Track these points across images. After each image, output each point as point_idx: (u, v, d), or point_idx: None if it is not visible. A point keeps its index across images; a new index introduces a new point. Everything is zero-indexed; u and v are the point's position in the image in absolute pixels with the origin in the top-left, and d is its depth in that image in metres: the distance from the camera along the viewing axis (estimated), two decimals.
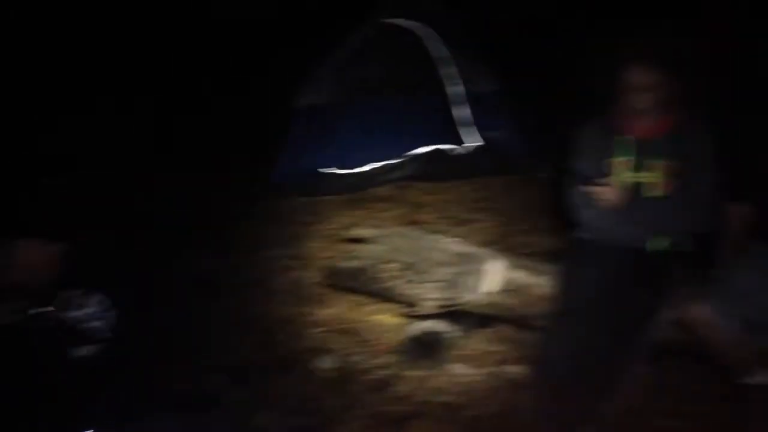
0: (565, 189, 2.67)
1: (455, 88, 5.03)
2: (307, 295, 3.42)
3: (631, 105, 2.42)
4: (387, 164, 5.01)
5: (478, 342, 2.97)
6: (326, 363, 2.82)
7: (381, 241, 3.42)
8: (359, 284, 3.26)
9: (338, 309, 3.28)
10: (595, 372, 2.26)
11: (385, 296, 3.20)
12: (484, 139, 5.06)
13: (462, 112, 5.07)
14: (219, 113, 5.91)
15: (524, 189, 4.80)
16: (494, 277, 2.88)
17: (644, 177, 2.45)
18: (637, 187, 2.46)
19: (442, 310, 2.95)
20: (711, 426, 2.41)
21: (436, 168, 5.05)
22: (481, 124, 5.05)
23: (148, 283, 2.65)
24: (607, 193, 2.43)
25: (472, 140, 5.08)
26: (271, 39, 6.43)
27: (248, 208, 4.53)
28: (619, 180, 2.48)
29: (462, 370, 2.79)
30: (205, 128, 5.75)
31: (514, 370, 2.76)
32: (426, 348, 2.89)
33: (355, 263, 3.32)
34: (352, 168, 4.93)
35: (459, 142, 5.10)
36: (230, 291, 3.42)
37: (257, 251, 3.93)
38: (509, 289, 2.86)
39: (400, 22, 4.98)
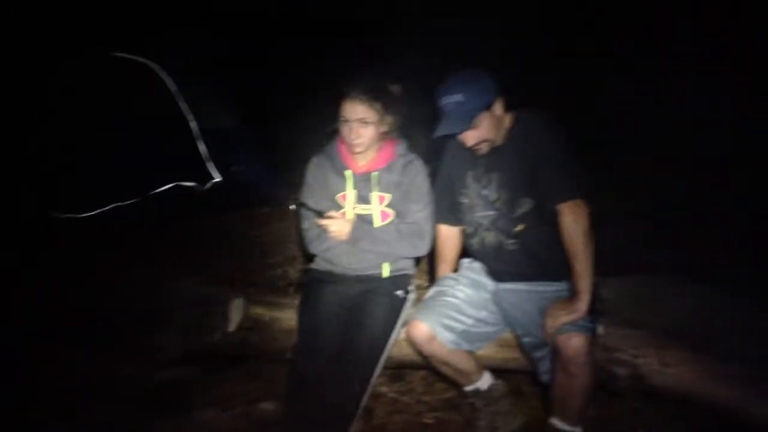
0: (298, 223, 2.76)
1: (195, 124, 4.91)
2: (37, 349, 3.04)
3: (348, 140, 2.56)
4: (123, 205, 4.71)
5: (226, 383, 2.93)
6: (62, 427, 2.60)
7: (117, 287, 3.20)
8: (94, 334, 3.00)
9: (73, 364, 2.96)
10: (338, 397, 2.35)
11: (123, 345, 2.98)
12: (228, 174, 5.01)
13: (203, 148, 4.96)
14: None
15: (269, 223, 4.85)
16: (236, 315, 2.86)
17: (366, 209, 2.63)
18: (362, 219, 2.63)
19: (185, 355, 2.84)
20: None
21: (179, 205, 4.87)
22: (223, 158, 4.99)
23: None
24: (336, 225, 2.56)
25: (215, 175, 4.99)
26: None
27: None
28: (344, 212, 2.63)
29: (211, 415, 2.73)
30: None
31: (266, 407, 2.76)
32: (170, 396, 2.77)
33: (88, 311, 3.05)
34: (81, 211, 4.55)
35: (201, 178, 4.98)
36: None
37: None
38: (253, 326, 2.86)
39: (131, 56, 4.76)
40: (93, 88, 4.61)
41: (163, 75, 4.83)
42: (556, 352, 2.29)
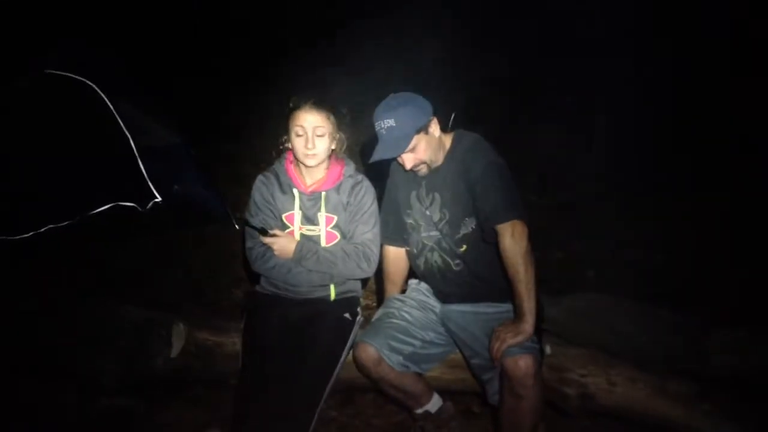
0: (244, 242, 2.71)
1: (135, 142, 4.77)
2: None
3: (301, 153, 2.53)
4: (58, 226, 4.53)
5: (171, 411, 2.82)
6: None
7: (53, 313, 3.06)
8: (30, 363, 2.86)
9: (7, 394, 2.82)
10: (287, 421, 2.28)
11: (61, 374, 2.86)
12: (170, 193, 4.88)
13: (143, 166, 4.82)
14: None
15: (219, 241, 4.74)
16: (180, 340, 2.77)
17: (312, 230, 2.60)
18: (309, 239, 2.60)
19: (126, 383, 2.74)
20: None
21: (119, 226, 4.71)
22: (165, 177, 4.86)
23: None
24: (281, 243, 2.53)
25: (157, 195, 4.86)
26: None
27: None
28: (292, 231, 2.59)
29: None
30: None
31: None
32: (113, 425, 2.66)
33: (24, 340, 2.91)
34: (16, 234, 4.35)
35: (142, 197, 4.84)
36: None
37: None
38: (197, 352, 2.77)
39: (66, 73, 4.61)
40: (27, 106, 4.44)
41: (102, 92, 4.70)
42: (503, 374, 2.30)
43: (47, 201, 4.44)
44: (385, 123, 2.40)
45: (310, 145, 2.50)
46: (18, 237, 4.33)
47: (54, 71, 4.51)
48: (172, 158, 4.89)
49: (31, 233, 4.38)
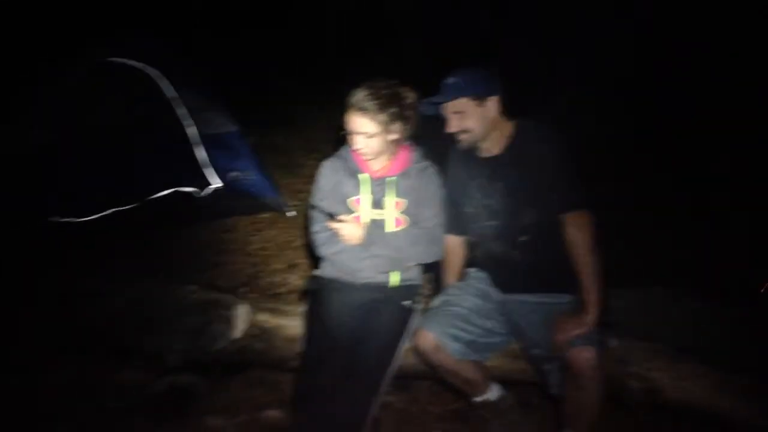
0: (308, 226, 2.74)
1: (193, 129, 4.88)
2: (40, 357, 3.01)
3: (356, 148, 2.54)
4: (123, 210, 4.67)
5: (231, 390, 2.88)
6: None
7: (119, 293, 3.15)
8: (97, 341, 2.97)
9: (75, 370, 2.95)
10: (347, 406, 2.31)
11: (127, 352, 2.95)
12: (229, 179, 4.98)
13: (202, 153, 4.93)
14: None
15: (273, 228, 4.83)
16: (241, 322, 2.82)
17: (380, 214, 2.61)
18: (375, 223, 2.61)
19: (189, 362, 2.81)
20: None
21: (179, 211, 4.84)
22: (222, 164, 4.96)
23: None
24: (348, 229, 2.53)
25: (215, 181, 4.96)
26: None
27: None
28: (358, 216, 2.60)
29: (217, 422, 2.68)
30: None
31: (271, 414, 2.72)
32: (176, 403, 2.74)
33: (92, 319, 3.01)
34: (81, 215, 4.51)
35: (202, 183, 4.95)
36: None
37: None
38: (257, 333, 2.82)
39: (127, 61, 4.74)
40: (93, 93, 4.59)
41: (161, 81, 4.82)
42: (565, 366, 2.28)
43: (112, 185, 4.61)
44: (449, 80, 2.48)
45: (358, 146, 2.51)
46: (83, 219, 4.51)
47: (117, 59, 4.66)
48: (230, 146, 5.00)
49: (96, 216, 4.55)
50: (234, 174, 4.98)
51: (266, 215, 4.99)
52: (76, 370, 2.97)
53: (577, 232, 2.36)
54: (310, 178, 2.79)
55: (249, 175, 4.99)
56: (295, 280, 3.95)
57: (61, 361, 3.00)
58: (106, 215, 4.59)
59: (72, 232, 4.44)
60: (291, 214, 4.91)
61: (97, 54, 4.61)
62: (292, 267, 4.16)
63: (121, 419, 2.66)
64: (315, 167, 2.73)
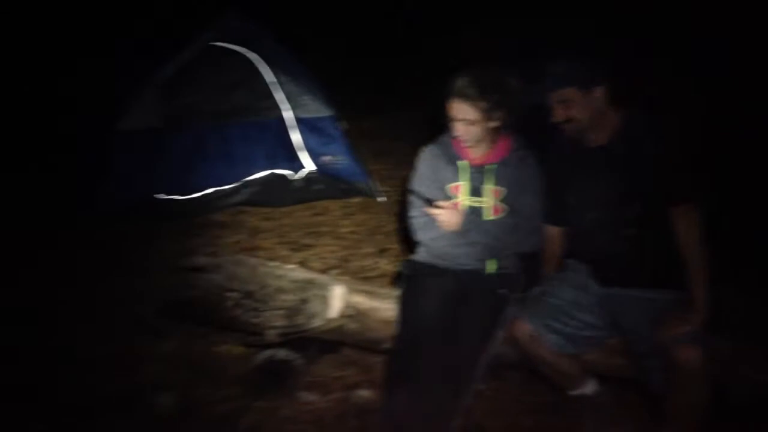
0: (405, 211, 2.76)
1: (289, 113, 5.01)
2: (143, 328, 3.21)
3: (457, 135, 2.55)
4: (223, 189, 4.87)
5: (325, 368, 2.96)
6: (167, 399, 2.66)
7: (219, 270, 3.28)
8: (198, 315, 3.10)
9: (177, 342, 3.12)
10: (440, 392, 2.32)
11: (227, 326, 3.08)
12: (321, 163, 5.08)
13: (297, 137, 5.05)
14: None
15: (364, 212, 4.90)
16: (337, 302, 2.89)
17: (478, 201, 2.60)
18: (473, 211, 2.61)
19: (286, 338, 2.89)
20: None
21: (274, 193, 4.99)
22: (317, 148, 5.07)
23: None
24: (446, 215, 2.53)
25: (309, 165, 5.08)
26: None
27: (73, 236, 4.21)
28: (457, 202, 2.60)
29: (310, 398, 2.75)
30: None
31: (362, 394, 2.77)
32: (272, 377, 2.83)
33: (193, 293, 3.15)
34: (186, 194, 4.73)
35: (296, 166, 5.08)
36: (54, 326, 3.13)
37: (86, 283, 3.63)
38: (352, 314, 2.88)
39: (229, 45, 4.91)
40: (201, 76, 4.77)
41: (261, 65, 4.96)
42: (669, 364, 2.21)
43: (213, 165, 4.80)
44: (555, 68, 2.43)
45: (459, 132, 2.52)
46: (186, 197, 4.72)
47: (218, 43, 4.82)
48: (323, 131, 5.10)
49: (198, 194, 4.76)
50: (327, 158, 5.08)
51: (357, 200, 5.08)
52: (178, 341, 3.13)
53: (687, 226, 2.29)
54: (398, 165, 2.81)
55: (341, 160, 5.07)
56: (386, 265, 3.99)
57: (165, 331, 3.17)
58: (207, 194, 4.79)
59: (173, 208, 4.66)
60: (381, 199, 4.97)
61: (207, 38, 4.78)
62: (382, 251, 4.21)
63: (221, 389, 2.77)
64: (402, 153, 2.75)
